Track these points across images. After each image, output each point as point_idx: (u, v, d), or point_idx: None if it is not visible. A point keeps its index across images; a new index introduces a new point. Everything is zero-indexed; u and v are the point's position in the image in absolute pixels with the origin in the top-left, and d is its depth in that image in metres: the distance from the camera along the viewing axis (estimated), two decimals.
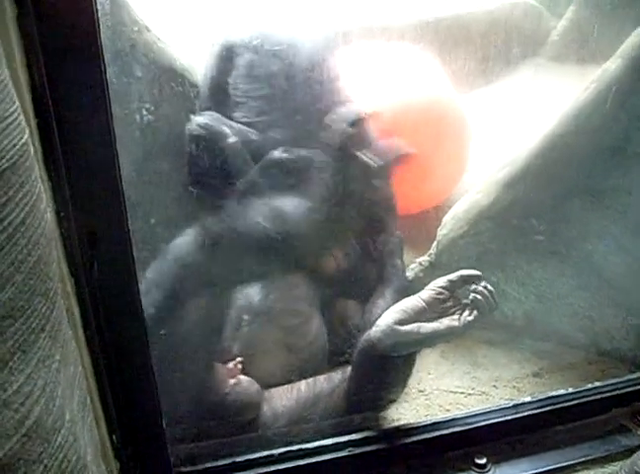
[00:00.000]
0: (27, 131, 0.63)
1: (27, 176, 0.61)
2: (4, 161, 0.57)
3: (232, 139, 1.44)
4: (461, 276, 1.37)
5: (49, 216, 0.70)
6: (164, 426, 1.08)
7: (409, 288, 1.49)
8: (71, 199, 0.84)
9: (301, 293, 1.55)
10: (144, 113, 1.50)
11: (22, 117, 0.63)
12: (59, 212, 0.82)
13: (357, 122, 1.47)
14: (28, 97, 0.73)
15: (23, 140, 0.61)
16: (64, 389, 0.66)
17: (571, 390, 1.50)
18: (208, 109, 1.58)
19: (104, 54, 0.81)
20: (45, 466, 0.59)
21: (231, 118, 1.55)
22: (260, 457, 1.29)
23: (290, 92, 1.55)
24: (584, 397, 1.49)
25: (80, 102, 0.81)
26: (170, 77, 1.66)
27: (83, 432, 0.72)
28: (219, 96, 1.62)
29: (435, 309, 1.34)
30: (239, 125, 1.51)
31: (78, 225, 0.86)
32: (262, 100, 1.56)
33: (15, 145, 0.59)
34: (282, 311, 1.49)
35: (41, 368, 0.61)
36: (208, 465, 1.27)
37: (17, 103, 0.62)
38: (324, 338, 1.53)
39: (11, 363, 0.57)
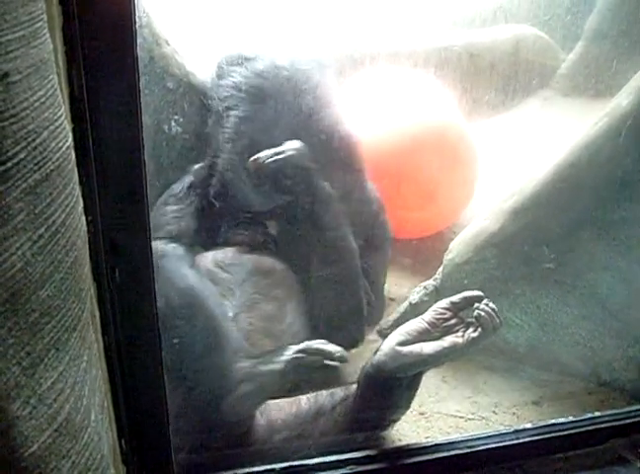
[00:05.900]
0: (70, 136, 0.65)
1: (69, 178, 0.63)
2: (50, 163, 0.58)
3: None
4: (464, 298, 1.38)
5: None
6: (170, 435, 1.09)
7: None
8: (99, 204, 0.85)
9: (277, 279, 1.58)
10: (173, 123, 1.53)
11: (66, 121, 0.64)
12: (87, 216, 0.84)
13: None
14: (67, 103, 0.75)
15: (67, 143, 0.63)
16: (90, 389, 0.68)
17: (571, 419, 1.51)
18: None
19: (139, 66, 0.83)
20: (73, 462, 0.60)
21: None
22: (261, 471, 1.29)
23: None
24: (583, 426, 1.50)
25: (114, 110, 0.83)
26: (187, 90, 1.69)
27: (103, 432, 0.74)
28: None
29: (438, 329, 1.35)
30: None
31: (103, 230, 0.87)
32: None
33: (60, 148, 0.61)
34: (259, 297, 1.53)
35: (72, 367, 0.62)
36: None
37: (63, 107, 0.64)
38: (299, 323, 1.58)
39: (46, 360, 0.58)
